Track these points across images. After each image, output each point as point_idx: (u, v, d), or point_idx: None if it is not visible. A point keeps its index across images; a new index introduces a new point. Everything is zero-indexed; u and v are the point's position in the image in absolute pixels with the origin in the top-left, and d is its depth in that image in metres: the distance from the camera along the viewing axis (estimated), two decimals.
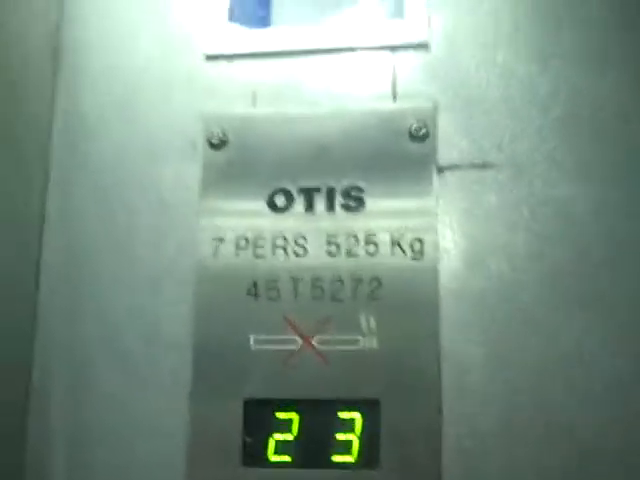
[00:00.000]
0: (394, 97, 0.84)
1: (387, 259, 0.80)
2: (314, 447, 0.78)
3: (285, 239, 0.82)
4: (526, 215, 0.79)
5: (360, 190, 0.82)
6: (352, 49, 0.86)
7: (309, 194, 0.83)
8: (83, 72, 0.91)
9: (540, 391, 0.76)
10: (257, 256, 0.82)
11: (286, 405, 0.80)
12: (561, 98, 0.81)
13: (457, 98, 0.83)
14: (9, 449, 0.82)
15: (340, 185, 0.82)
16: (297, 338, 0.79)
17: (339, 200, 0.82)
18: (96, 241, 0.87)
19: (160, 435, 0.81)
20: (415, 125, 0.82)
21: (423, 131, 0.82)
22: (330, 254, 0.81)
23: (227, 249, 0.83)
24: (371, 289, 0.79)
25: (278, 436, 0.79)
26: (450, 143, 0.82)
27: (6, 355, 0.81)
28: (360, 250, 0.81)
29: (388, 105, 0.84)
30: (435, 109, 0.83)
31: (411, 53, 0.85)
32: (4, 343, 0.79)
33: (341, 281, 0.80)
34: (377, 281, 0.80)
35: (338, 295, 0.80)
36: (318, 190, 0.83)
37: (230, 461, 0.79)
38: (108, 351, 0.84)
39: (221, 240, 0.83)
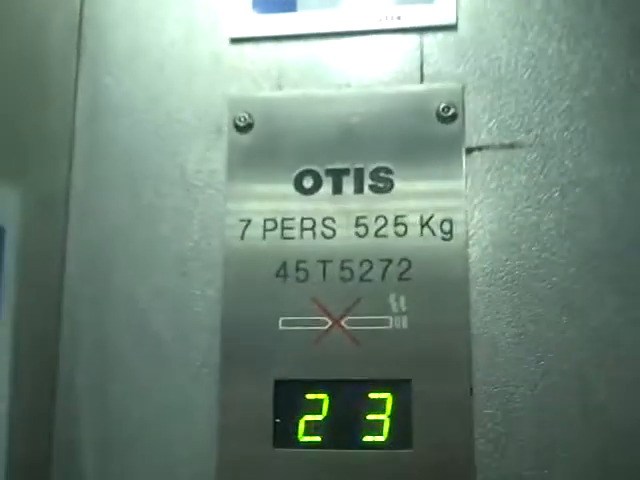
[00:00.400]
0: (422, 79, 0.84)
1: (416, 240, 0.80)
2: (344, 427, 0.78)
3: (313, 221, 0.82)
4: (556, 195, 0.79)
5: (389, 171, 0.81)
6: (379, 31, 0.86)
7: (337, 176, 0.83)
8: (107, 52, 0.90)
9: (572, 371, 0.76)
10: (285, 238, 0.82)
11: (316, 386, 0.79)
12: (591, 77, 0.80)
13: (485, 79, 0.82)
14: (37, 433, 0.82)
15: (368, 166, 0.82)
16: (326, 319, 0.79)
17: (367, 181, 0.82)
18: (121, 224, 0.86)
19: (190, 417, 0.81)
20: (443, 106, 0.82)
21: (451, 112, 0.82)
22: (359, 235, 0.81)
23: (255, 231, 0.83)
24: (400, 270, 0.79)
25: (308, 417, 0.79)
26: (479, 124, 0.82)
27: (33, 340, 0.80)
28: (389, 231, 0.80)
29: (416, 87, 0.84)
30: (463, 90, 0.83)
31: (439, 34, 0.85)
32: (30, 329, 0.79)
33: (370, 262, 0.80)
34: (406, 262, 0.79)
35: (367, 276, 0.80)
36: (346, 171, 0.82)
37: (260, 442, 0.79)
38: (136, 334, 0.84)
39: (248, 222, 0.83)
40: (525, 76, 0.81)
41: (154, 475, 0.81)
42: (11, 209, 0.76)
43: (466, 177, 0.80)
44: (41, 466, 0.82)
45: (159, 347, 0.82)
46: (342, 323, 0.79)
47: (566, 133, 0.79)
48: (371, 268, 0.80)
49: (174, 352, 0.82)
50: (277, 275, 0.81)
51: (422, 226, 0.80)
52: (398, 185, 0.81)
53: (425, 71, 0.83)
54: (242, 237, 0.82)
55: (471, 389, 0.76)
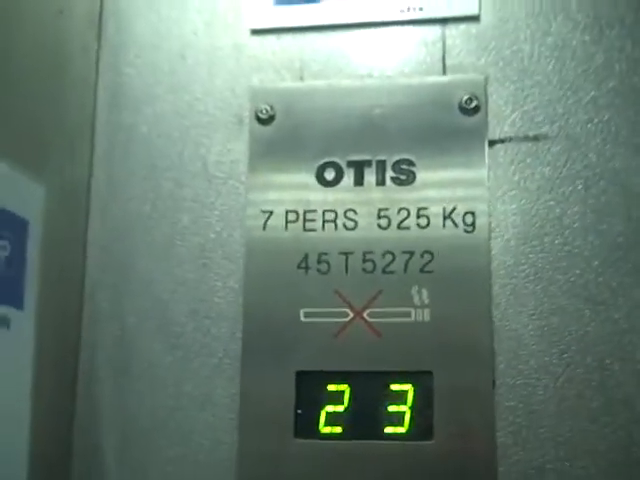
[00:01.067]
0: (444, 70, 0.83)
1: (439, 232, 0.80)
2: (365, 419, 0.78)
3: (335, 212, 0.82)
4: (580, 188, 0.78)
5: (411, 163, 0.81)
6: (401, 22, 0.85)
7: (359, 167, 0.82)
8: (128, 43, 0.90)
9: (595, 364, 0.75)
10: (307, 229, 0.82)
11: (337, 377, 0.79)
12: (616, 69, 0.80)
13: (508, 70, 0.82)
14: (59, 421, 0.82)
15: (390, 158, 0.82)
16: (348, 311, 0.79)
17: (389, 173, 0.82)
18: (142, 215, 0.86)
19: (211, 407, 0.81)
20: (466, 98, 0.82)
21: (474, 104, 0.81)
22: (381, 227, 0.81)
23: (276, 223, 0.83)
24: (423, 262, 0.79)
25: (329, 408, 0.79)
26: (501, 116, 0.82)
27: (55, 330, 0.81)
28: (411, 223, 0.80)
29: (438, 78, 0.84)
30: (486, 82, 0.82)
31: (461, 25, 0.84)
32: (53, 319, 0.80)
33: (392, 254, 0.80)
34: (429, 254, 0.79)
35: (389, 268, 0.80)
36: (368, 163, 0.82)
37: (281, 432, 0.79)
38: (157, 325, 0.85)
39: (270, 213, 0.83)
40: (549, 67, 0.81)
41: (174, 464, 0.82)
42: (35, 202, 0.76)
43: (489, 169, 0.80)
44: (62, 452, 0.83)
45: (180, 337, 0.82)
46: (364, 315, 0.79)
47: (590, 125, 0.79)
48: (393, 260, 0.79)
49: (195, 343, 0.83)
50: (299, 267, 0.81)
51: (444, 218, 0.80)
52: (420, 177, 0.81)
53: (447, 62, 0.83)
54: (264, 228, 0.82)
55: (493, 381, 0.76)
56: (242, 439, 0.79)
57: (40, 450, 0.75)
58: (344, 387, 0.79)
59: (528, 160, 0.80)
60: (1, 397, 0.70)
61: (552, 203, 0.78)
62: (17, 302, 0.73)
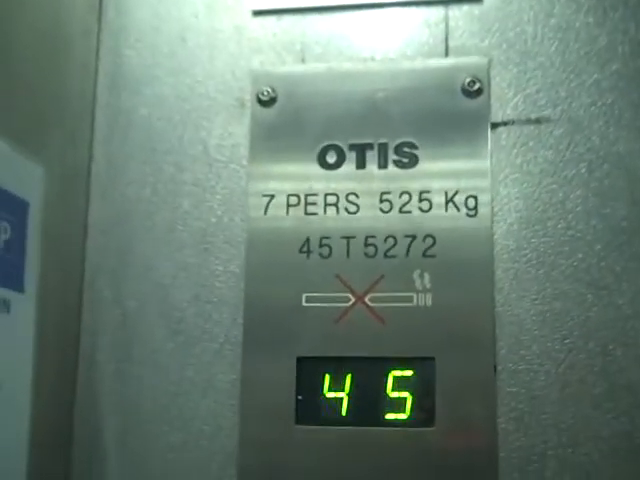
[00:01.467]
0: (447, 52, 0.82)
1: (441, 216, 0.79)
2: (366, 405, 0.78)
3: (337, 196, 0.81)
4: (583, 171, 0.78)
5: (413, 146, 0.81)
6: (404, 3, 0.85)
7: (361, 151, 0.82)
8: (128, 25, 0.90)
9: (597, 349, 0.75)
10: (308, 214, 0.81)
11: (339, 363, 0.79)
12: (620, 51, 0.79)
13: (511, 52, 0.81)
14: (59, 406, 0.82)
15: (393, 141, 0.82)
16: (349, 296, 0.79)
17: (392, 156, 0.81)
18: (142, 198, 0.86)
19: (212, 394, 0.81)
20: (468, 80, 0.81)
21: (477, 87, 0.81)
22: (383, 211, 0.80)
23: (278, 207, 0.82)
24: (425, 246, 0.79)
25: (330, 394, 0.78)
26: (504, 98, 0.81)
27: (55, 314, 0.81)
28: (414, 207, 0.80)
29: (441, 61, 0.83)
30: (489, 64, 0.81)
31: (464, 6, 0.83)
32: (53, 302, 0.79)
33: (394, 238, 0.79)
34: (431, 238, 0.79)
35: (391, 252, 0.79)
36: (370, 146, 0.82)
37: (282, 419, 0.79)
38: (157, 310, 0.84)
39: (271, 198, 0.82)
40: (552, 49, 0.80)
41: (175, 450, 0.82)
42: (35, 183, 0.75)
43: (491, 153, 0.79)
44: (63, 438, 0.83)
45: (181, 323, 0.82)
46: (365, 300, 0.78)
47: (593, 108, 0.78)
48: (395, 244, 0.79)
49: (196, 328, 0.82)
50: (300, 251, 0.80)
51: (447, 202, 0.79)
52: (423, 160, 0.80)
53: (450, 44, 0.82)
54: (265, 213, 0.82)
55: (495, 367, 0.76)
56: (243, 425, 0.79)
57: (40, 435, 0.75)
58: (345, 373, 0.78)
59: (531, 143, 0.79)
60: (2, 381, 0.69)
61: (555, 187, 0.78)
62: (17, 285, 0.72)
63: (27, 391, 0.74)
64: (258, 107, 0.84)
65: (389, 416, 0.77)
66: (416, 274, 0.78)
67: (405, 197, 0.80)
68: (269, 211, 0.82)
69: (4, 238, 0.70)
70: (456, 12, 0.83)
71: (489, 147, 0.79)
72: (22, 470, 0.73)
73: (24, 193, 0.74)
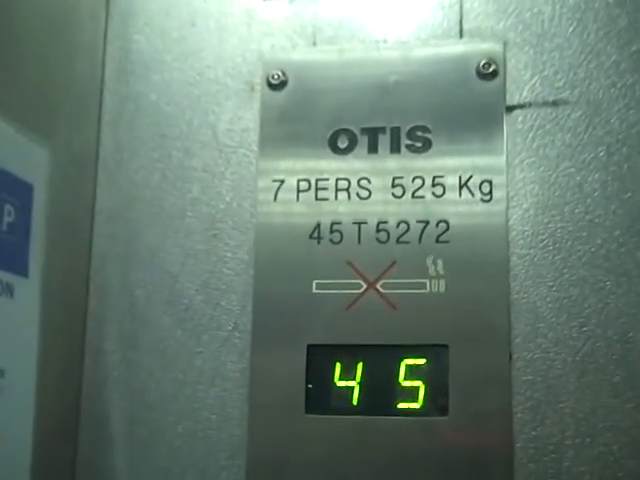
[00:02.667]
0: (461, 34, 0.80)
1: (455, 201, 0.77)
2: (378, 394, 0.77)
3: (348, 181, 0.79)
4: (602, 155, 0.76)
5: (426, 130, 0.79)
6: None
7: (373, 135, 0.80)
8: (137, 10, 0.88)
9: (616, 337, 0.73)
10: (319, 199, 0.80)
11: (350, 351, 0.77)
12: None
13: (528, 34, 0.79)
14: (65, 395, 0.81)
15: (405, 125, 0.80)
16: (361, 282, 0.77)
17: (404, 141, 0.79)
18: (151, 184, 0.84)
19: (220, 382, 0.80)
20: (484, 63, 0.79)
21: (492, 69, 0.79)
22: (395, 196, 0.78)
23: (288, 192, 0.80)
24: (438, 232, 0.77)
25: (342, 383, 0.76)
26: (520, 81, 0.79)
27: (61, 300, 0.79)
28: (427, 192, 0.78)
29: (455, 43, 0.81)
30: (504, 46, 0.79)
31: None
32: (59, 288, 0.78)
33: (407, 224, 0.77)
34: (444, 224, 0.77)
35: (403, 238, 0.77)
36: (382, 131, 0.80)
37: (292, 408, 0.77)
38: (165, 297, 0.83)
39: (281, 183, 0.80)
40: (569, 30, 0.78)
41: (183, 440, 0.80)
42: (40, 166, 0.74)
43: (507, 136, 0.77)
44: (69, 426, 0.82)
45: (189, 310, 0.81)
46: (377, 286, 0.76)
47: (613, 90, 0.76)
48: (408, 230, 0.77)
49: (204, 315, 0.81)
50: (311, 237, 0.79)
51: (461, 187, 0.77)
52: (436, 144, 0.78)
53: (464, 26, 0.80)
54: (275, 198, 0.80)
55: (510, 355, 0.74)
56: (252, 414, 0.77)
57: (45, 424, 0.74)
58: (357, 361, 0.76)
59: (547, 126, 0.77)
60: (6, 367, 0.67)
61: (572, 170, 0.75)
62: (22, 269, 0.71)
63: (32, 378, 0.72)
64: (268, 91, 0.83)
65: (401, 405, 0.75)
66: (429, 260, 0.76)
67: (418, 182, 0.78)
68: (279, 196, 0.80)
69: (7, 221, 0.69)
70: None
71: (504, 131, 0.77)
72: (27, 459, 0.71)
73: (29, 176, 0.72)
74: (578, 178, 0.76)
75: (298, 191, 0.80)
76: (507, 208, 0.77)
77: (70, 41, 0.82)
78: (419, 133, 0.79)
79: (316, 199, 0.79)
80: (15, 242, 0.70)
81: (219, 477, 0.78)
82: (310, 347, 0.77)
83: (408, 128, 0.79)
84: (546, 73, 0.78)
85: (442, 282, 0.76)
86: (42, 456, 0.73)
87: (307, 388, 0.76)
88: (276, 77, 0.82)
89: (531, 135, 0.77)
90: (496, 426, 0.73)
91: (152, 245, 0.83)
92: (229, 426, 0.79)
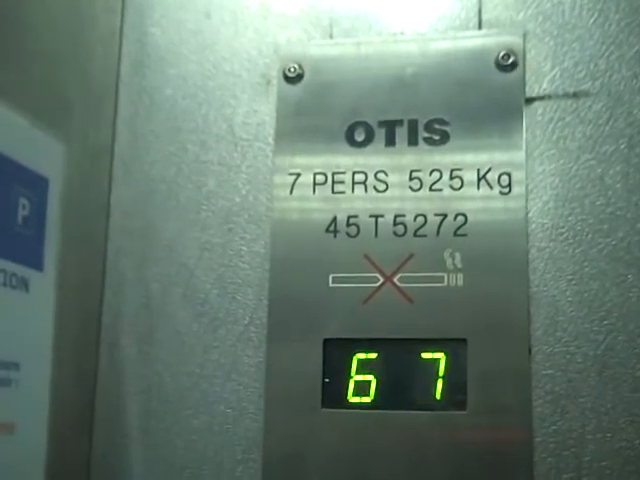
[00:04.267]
0: (480, 25, 0.79)
1: (473, 194, 0.76)
2: (396, 388, 0.76)
3: (365, 174, 0.78)
4: (623, 147, 0.74)
5: (444, 123, 0.78)
6: None
7: (390, 127, 0.79)
8: (153, 2, 0.88)
9: (638, 331, 0.72)
10: (336, 192, 0.79)
11: (367, 345, 0.77)
12: None
13: (548, 24, 0.78)
14: (81, 390, 0.80)
15: (423, 118, 0.79)
16: (378, 276, 0.76)
17: (422, 133, 0.78)
18: (167, 178, 0.84)
19: (236, 376, 0.79)
20: (503, 54, 0.78)
21: (511, 60, 0.78)
22: (412, 189, 0.77)
23: (304, 185, 0.80)
24: (456, 225, 0.76)
25: (358, 377, 0.76)
26: (540, 72, 0.78)
27: (77, 294, 0.79)
28: (444, 185, 0.77)
29: (474, 34, 0.80)
30: (524, 37, 0.78)
31: None
32: (74, 282, 0.78)
33: (424, 217, 0.77)
34: (462, 217, 0.76)
35: (421, 231, 0.76)
36: (400, 123, 0.79)
37: (309, 402, 0.76)
38: (181, 291, 0.82)
39: (298, 176, 0.80)
40: (591, 21, 0.77)
41: (199, 433, 0.80)
42: (55, 160, 0.73)
43: (526, 128, 0.76)
44: (84, 420, 0.82)
45: (205, 304, 0.80)
46: (394, 280, 0.75)
47: (635, 81, 0.75)
48: (425, 223, 0.76)
49: (220, 309, 0.80)
50: (327, 230, 0.78)
51: (479, 180, 0.76)
52: (454, 137, 0.78)
53: (483, 17, 0.79)
54: (291, 192, 0.79)
55: (530, 349, 0.72)
56: (268, 409, 0.77)
57: (61, 419, 0.74)
58: (374, 355, 0.76)
59: (568, 118, 0.76)
60: (21, 361, 0.67)
61: (593, 163, 0.74)
62: (36, 263, 0.70)
63: (47, 372, 0.72)
64: (284, 84, 0.82)
65: (419, 400, 0.74)
66: (447, 253, 0.75)
67: (436, 175, 0.77)
68: (295, 190, 0.79)
69: (22, 214, 0.69)
70: None
71: (524, 123, 0.76)
72: (42, 453, 0.70)
73: (44, 170, 0.72)
74: (599, 170, 0.75)
75: (314, 185, 0.79)
76: (526, 201, 0.76)
77: (85, 35, 0.81)
78: (437, 126, 0.78)
79: (332, 192, 0.79)
80: (30, 236, 0.70)
81: (235, 471, 0.77)
82: (326, 341, 0.76)
83: (426, 121, 0.78)
84: (566, 64, 0.77)
85: (460, 276, 0.75)
86: (57, 450, 0.72)
87: (324, 382, 0.76)
88: (292, 70, 0.82)
89: (551, 127, 0.76)
90: (515, 420, 0.72)
91: (168, 239, 0.82)
92: (245, 420, 0.79)
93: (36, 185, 0.71)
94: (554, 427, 0.72)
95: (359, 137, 0.79)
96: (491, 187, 0.76)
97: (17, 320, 0.68)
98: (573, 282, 0.73)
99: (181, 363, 0.80)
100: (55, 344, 0.73)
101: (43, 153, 0.73)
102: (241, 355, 0.79)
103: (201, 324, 0.80)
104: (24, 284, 0.69)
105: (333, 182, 0.79)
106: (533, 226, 0.75)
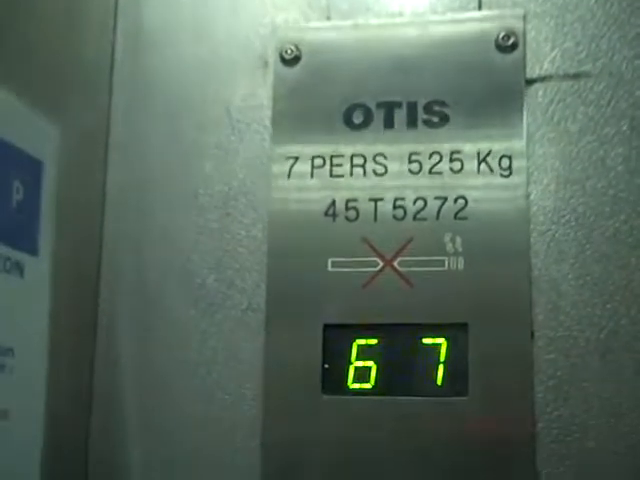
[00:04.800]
0: (480, 6, 0.78)
1: (473, 177, 0.75)
2: (396, 374, 0.75)
3: (363, 157, 0.77)
4: (625, 128, 0.73)
5: (444, 105, 0.77)
6: None
7: (389, 110, 0.78)
8: None
9: None
10: (334, 176, 0.78)
11: (367, 330, 0.75)
12: None
13: (548, 5, 0.77)
14: (77, 376, 0.79)
15: (422, 100, 0.78)
16: (378, 260, 0.75)
17: (421, 115, 0.77)
18: (163, 161, 0.83)
19: (234, 363, 0.77)
20: (503, 35, 0.77)
21: (511, 41, 0.77)
22: (412, 172, 0.76)
23: (302, 169, 0.79)
24: (456, 208, 0.75)
25: (358, 363, 0.75)
26: (541, 53, 0.77)
27: (72, 280, 0.78)
28: (444, 168, 0.76)
29: (473, 14, 0.79)
30: (524, 17, 0.77)
31: None
32: (69, 268, 0.77)
33: (424, 200, 0.76)
34: (463, 200, 0.75)
35: (421, 215, 0.76)
36: (398, 105, 0.78)
37: (308, 388, 0.75)
38: (178, 276, 0.81)
39: (296, 159, 0.79)
40: (592, 1, 0.76)
41: (196, 422, 0.79)
42: (50, 143, 0.72)
43: (527, 110, 0.75)
44: (81, 408, 0.81)
45: (202, 289, 0.79)
46: (394, 264, 0.74)
47: (637, 61, 0.74)
48: (425, 206, 0.75)
49: (218, 295, 0.79)
50: (326, 214, 0.77)
51: (479, 162, 0.75)
52: (454, 119, 0.77)
53: None
54: (289, 175, 0.78)
55: (532, 333, 0.71)
56: (267, 395, 0.76)
57: (58, 404, 0.73)
58: (374, 341, 0.75)
59: (568, 100, 0.75)
60: (16, 346, 0.66)
61: (595, 145, 0.74)
62: (31, 248, 0.69)
63: (43, 358, 0.71)
64: (281, 66, 0.81)
65: (420, 385, 0.73)
66: (447, 237, 0.74)
67: (435, 157, 0.76)
68: (293, 174, 0.78)
69: (17, 198, 0.68)
70: None
71: (524, 105, 0.75)
72: (38, 439, 0.69)
73: (39, 153, 0.71)
74: (601, 152, 0.74)
75: (312, 168, 0.79)
76: (527, 184, 0.75)
77: (80, 16, 0.80)
78: (436, 108, 0.77)
79: (331, 176, 0.78)
80: (24, 220, 0.69)
81: (234, 458, 0.76)
82: (326, 326, 0.75)
83: (425, 102, 0.77)
84: (567, 45, 0.76)
85: (461, 259, 0.74)
86: (54, 436, 0.71)
87: (323, 368, 0.75)
88: (289, 52, 0.81)
89: (552, 109, 0.75)
90: (517, 406, 0.71)
91: (164, 224, 0.82)
92: (244, 407, 0.77)
93: (31, 168, 0.70)
94: (557, 412, 0.71)
95: (357, 119, 0.79)
96: (492, 170, 0.75)
97: (12, 305, 0.66)
98: (575, 265, 0.73)
99: (178, 349, 0.80)
100: (51, 329, 0.71)
101: (38, 136, 0.72)
102: (239, 341, 0.78)
103: (198, 310, 0.79)
104: (19, 269, 0.68)
105: (331, 165, 0.78)
106: (534, 209, 0.74)
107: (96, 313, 0.81)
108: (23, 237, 0.69)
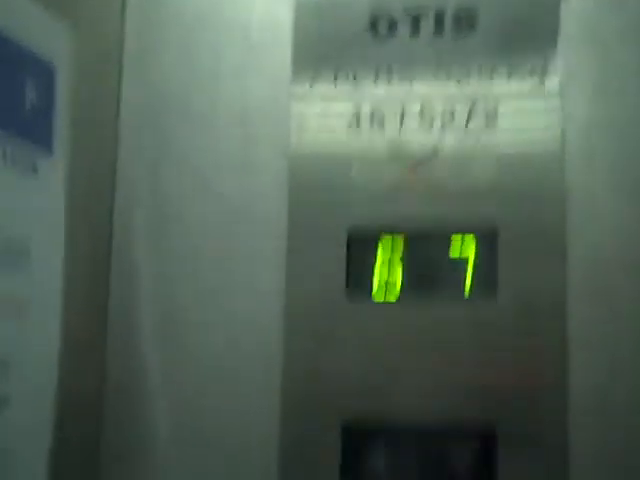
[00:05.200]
0: None
1: (504, 86, 0.73)
2: (423, 279, 0.73)
3: (389, 66, 0.74)
4: None
5: (473, 12, 0.74)
6: None
7: (415, 18, 0.76)
8: None
9: None
10: (358, 85, 0.76)
11: (392, 236, 0.73)
12: None
13: None
14: (93, 299, 0.78)
15: (451, 7, 0.74)
16: (403, 167, 0.72)
17: (449, 24, 0.75)
18: (179, 79, 0.80)
19: (254, 269, 0.77)
20: None
21: None
22: (439, 80, 0.73)
23: (325, 79, 0.76)
24: (486, 118, 0.72)
25: (384, 269, 0.71)
26: None
27: (85, 188, 0.75)
28: (473, 76, 0.73)
29: None
30: None
31: None
32: (81, 176, 0.74)
33: (452, 109, 0.72)
34: (493, 109, 0.71)
35: (449, 124, 0.72)
36: (425, 13, 0.75)
37: (332, 297, 0.73)
38: (198, 197, 0.79)
39: (318, 70, 0.75)
40: None
41: (217, 349, 0.76)
42: (64, 47, 0.70)
43: (562, 18, 0.73)
44: (97, 331, 0.78)
45: (222, 200, 0.75)
46: (420, 170, 0.71)
47: None
48: (453, 115, 0.72)
49: (241, 213, 0.76)
50: (350, 123, 0.73)
51: (510, 71, 0.73)
52: (484, 27, 0.75)
53: None
54: (311, 86, 0.75)
55: (564, 240, 0.70)
56: (289, 305, 0.74)
57: (73, 328, 0.70)
58: (400, 246, 0.71)
59: (606, 7, 0.72)
60: (32, 255, 0.65)
61: (633, 54, 0.72)
62: (45, 148, 0.67)
63: (59, 258, 0.68)
64: None
65: (447, 290, 0.71)
66: (477, 145, 0.71)
67: (464, 67, 0.73)
68: (316, 84, 0.75)
69: (30, 97, 0.64)
70: None
71: (559, 12, 0.72)
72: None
73: (51, 56, 0.68)
74: (638, 62, 0.70)
75: (335, 79, 0.75)
76: (561, 93, 0.71)
77: None
78: (465, 15, 0.74)
79: (355, 85, 0.75)
80: (37, 119, 0.66)
81: (255, 380, 0.74)
82: (350, 234, 0.72)
83: (454, 10, 0.75)
84: None
85: (490, 168, 0.71)
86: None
87: (348, 277, 0.71)
88: None
89: (587, 16, 0.72)
90: (549, 309, 0.68)
91: (183, 148, 0.80)
92: (264, 318, 0.74)
93: (43, 71, 0.68)
94: (587, 311, 0.67)
95: (382, 29, 0.76)
96: (523, 79, 0.72)
97: (26, 199, 0.65)
98: (611, 171, 0.69)
99: (198, 275, 0.78)
100: (66, 239, 0.68)
101: (51, 38, 0.69)
102: (261, 248, 0.74)
103: (221, 226, 0.76)
104: (32, 166, 0.65)
105: (355, 74, 0.75)
106: (568, 118, 0.71)
107: (111, 233, 0.79)
108: (37, 136, 0.67)
